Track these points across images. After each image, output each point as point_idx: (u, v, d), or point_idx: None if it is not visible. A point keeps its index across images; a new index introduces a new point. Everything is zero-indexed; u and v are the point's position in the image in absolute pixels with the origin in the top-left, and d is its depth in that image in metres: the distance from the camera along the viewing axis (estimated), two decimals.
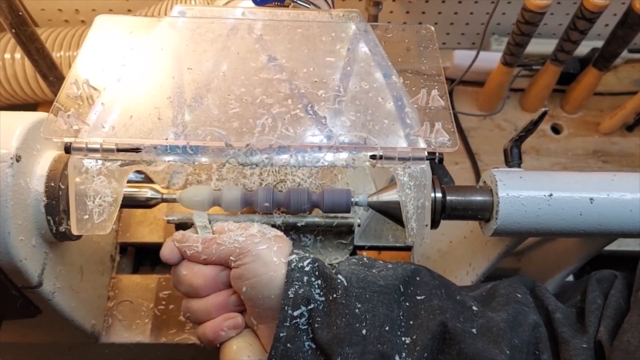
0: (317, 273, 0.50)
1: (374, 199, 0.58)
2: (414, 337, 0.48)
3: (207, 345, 0.53)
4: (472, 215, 0.58)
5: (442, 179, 0.88)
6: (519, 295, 0.53)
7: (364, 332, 0.47)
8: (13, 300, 0.57)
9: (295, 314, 0.48)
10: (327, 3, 0.75)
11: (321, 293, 0.49)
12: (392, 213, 0.57)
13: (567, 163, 1.10)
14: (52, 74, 0.80)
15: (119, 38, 0.62)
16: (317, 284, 0.49)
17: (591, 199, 0.55)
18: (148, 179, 0.77)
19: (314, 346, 0.48)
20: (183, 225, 0.69)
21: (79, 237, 0.58)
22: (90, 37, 0.61)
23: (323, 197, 0.57)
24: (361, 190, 0.59)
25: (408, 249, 0.89)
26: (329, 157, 0.54)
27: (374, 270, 0.52)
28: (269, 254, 0.50)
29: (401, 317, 0.49)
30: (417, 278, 0.51)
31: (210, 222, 0.56)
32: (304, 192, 0.57)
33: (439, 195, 0.56)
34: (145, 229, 0.87)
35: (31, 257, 0.55)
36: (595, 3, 0.90)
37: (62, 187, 0.55)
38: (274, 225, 0.59)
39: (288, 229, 0.66)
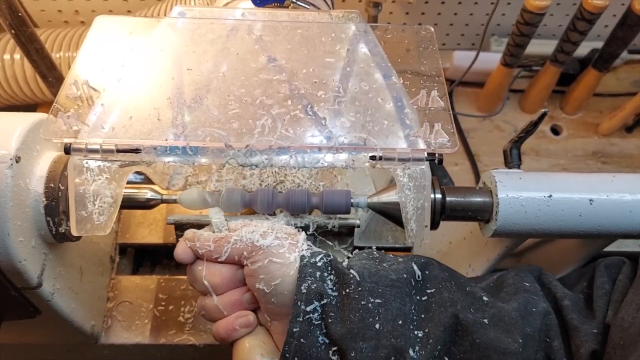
0: (329, 268, 0.50)
1: (374, 200, 0.58)
2: (427, 330, 0.48)
3: (221, 343, 0.53)
4: (471, 216, 0.58)
5: (442, 180, 0.88)
6: (527, 284, 0.53)
7: (377, 326, 0.47)
8: (12, 301, 0.57)
9: (308, 309, 0.48)
10: (327, 4, 0.75)
11: (334, 288, 0.49)
12: (391, 214, 0.57)
13: (567, 164, 1.10)
14: (52, 74, 0.80)
15: (118, 39, 0.62)
16: (330, 279, 0.50)
17: (590, 200, 0.55)
18: (148, 180, 0.77)
19: (327, 341, 0.48)
20: (183, 227, 0.69)
21: (78, 238, 0.58)
22: (89, 38, 0.61)
23: (323, 198, 0.57)
24: (361, 191, 0.59)
25: (408, 250, 0.89)
26: (328, 158, 0.54)
27: (385, 265, 0.52)
28: (280, 250, 0.50)
29: (413, 311, 0.49)
30: (427, 271, 0.52)
31: (226, 219, 0.56)
32: (303, 193, 0.57)
33: (438, 196, 0.56)
34: (145, 229, 0.87)
35: (31, 258, 0.55)
36: (594, 4, 0.90)
37: (62, 188, 0.55)
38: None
39: None
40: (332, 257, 0.51)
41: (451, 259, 0.78)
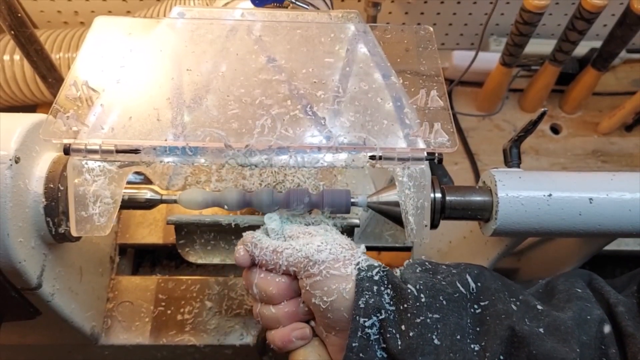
0: (386, 282, 0.50)
1: (374, 199, 0.58)
2: (483, 343, 0.48)
3: (277, 350, 0.53)
4: (471, 216, 0.58)
5: (442, 179, 0.88)
6: (579, 291, 0.52)
7: (436, 341, 0.47)
8: (12, 301, 0.57)
9: (366, 324, 0.48)
10: (326, 4, 0.75)
11: (391, 302, 0.49)
12: (391, 213, 0.57)
13: (566, 163, 1.10)
14: (51, 75, 0.80)
15: (118, 39, 0.62)
16: (387, 293, 0.49)
17: (590, 198, 0.55)
18: (147, 180, 0.77)
19: (385, 356, 0.48)
20: (182, 226, 0.69)
21: (78, 238, 0.58)
22: (89, 39, 0.61)
23: (322, 197, 0.57)
24: (360, 191, 0.59)
25: (408, 249, 0.89)
26: (328, 157, 0.54)
27: (439, 277, 0.51)
28: (336, 265, 0.50)
29: (469, 324, 0.49)
30: (479, 283, 0.51)
31: (281, 223, 0.55)
32: (303, 192, 0.57)
33: (438, 195, 0.56)
34: (145, 230, 0.87)
35: (30, 259, 0.55)
36: (593, 3, 0.90)
37: (62, 188, 0.55)
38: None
39: None
40: (388, 270, 0.51)
41: (451, 258, 0.78)
